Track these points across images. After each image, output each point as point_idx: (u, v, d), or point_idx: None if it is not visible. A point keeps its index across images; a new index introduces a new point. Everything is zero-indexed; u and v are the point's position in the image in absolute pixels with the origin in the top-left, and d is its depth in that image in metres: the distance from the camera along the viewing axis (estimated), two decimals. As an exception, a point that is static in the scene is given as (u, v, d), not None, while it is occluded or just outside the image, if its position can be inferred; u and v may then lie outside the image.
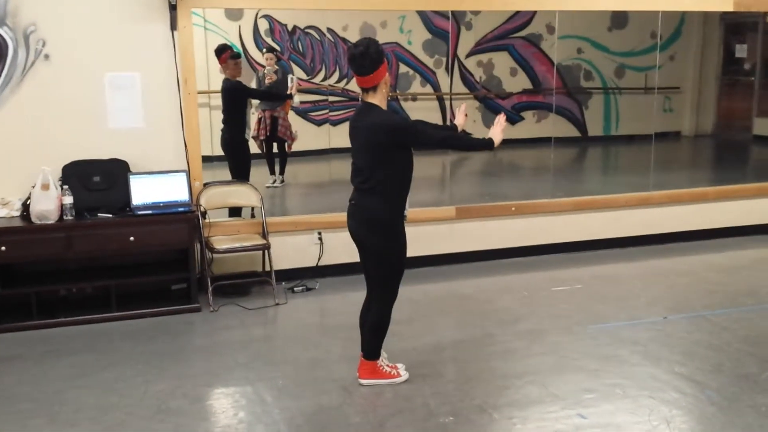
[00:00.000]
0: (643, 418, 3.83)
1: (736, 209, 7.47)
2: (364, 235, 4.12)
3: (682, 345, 4.79)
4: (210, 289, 5.59)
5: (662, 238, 7.23)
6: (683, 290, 5.93)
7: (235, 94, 7.11)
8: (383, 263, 4.14)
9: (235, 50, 7.94)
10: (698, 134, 13.70)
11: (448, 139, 4.30)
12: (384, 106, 4.06)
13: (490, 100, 12.69)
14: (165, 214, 5.46)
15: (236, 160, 7.17)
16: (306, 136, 9.05)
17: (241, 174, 6.98)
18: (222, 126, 7.21)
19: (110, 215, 5.38)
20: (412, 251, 6.35)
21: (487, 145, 4.16)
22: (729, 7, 7.10)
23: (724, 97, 14.10)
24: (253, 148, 9.01)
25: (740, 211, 7.49)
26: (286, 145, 8.98)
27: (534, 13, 11.91)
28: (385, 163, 4.01)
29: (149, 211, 5.45)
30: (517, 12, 11.86)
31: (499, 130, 4.20)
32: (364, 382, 4.28)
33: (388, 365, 4.35)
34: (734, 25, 13.85)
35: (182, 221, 5.46)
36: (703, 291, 5.90)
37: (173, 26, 5.59)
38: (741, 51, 14.02)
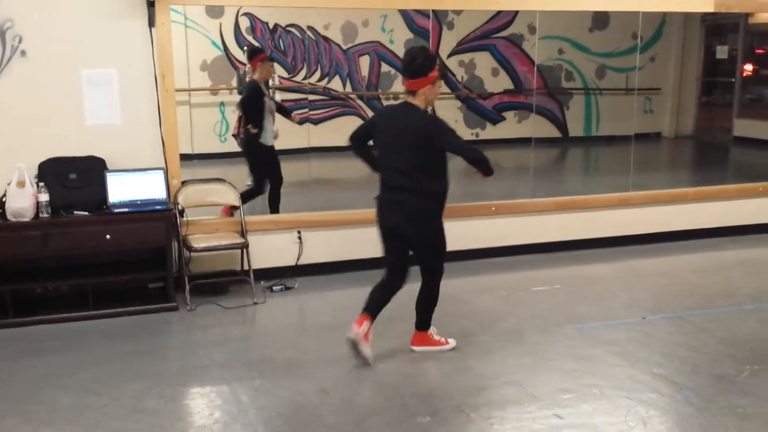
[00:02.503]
0: (619, 418, 3.83)
1: (715, 210, 7.51)
2: (411, 229, 4.43)
3: (661, 346, 4.80)
4: (187, 287, 5.55)
5: (642, 238, 7.25)
6: (662, 291, 5.95)
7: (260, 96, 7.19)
8: (430, 251, 4.53)
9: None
10: (678, 135, 13.80)
11: (477, 152, 4.43)
12: (424, 106, 4.41)
13: (471, 100, 12.71)
14: (142, 212, 5.41)
15: (253, 160, 7.32)
16: (286, 134, 8.99)
17: (258, 176, 7.18)
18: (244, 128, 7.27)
19: (86, 213, 5.32)
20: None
21: (491, 169, 4.48)
22: (709, 8, 7.13)
23: (704, 99, 14.20)
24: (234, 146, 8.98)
25: (720, 212, 7.53)
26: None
27: (516, 13, 11.92)
28: (428, 161, 4.33)
29: (126, 209, 5.40)
30: (499, 12, 11.88)
31: None
32: (416, 349, 4.72)
33: (437, 335, 4.78)
34: (715, 27, 13.94)
35: (159, 219, 5.41)
36: (682, 292, 5.92)
37: (151, 23, 5.54)
38: (722, 52, 14.12)
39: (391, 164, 4.41)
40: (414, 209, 4.37)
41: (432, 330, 4.78)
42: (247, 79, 8.54)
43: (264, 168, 7.26)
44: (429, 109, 4.50)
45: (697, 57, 13.97)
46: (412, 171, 4.33)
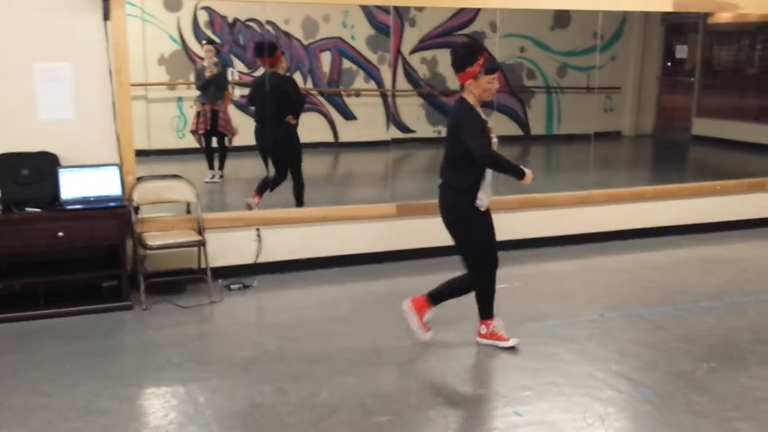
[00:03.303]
0: (578, 415, 3.84)
1: (673, 208, 7.59)
2: (446, 221, 4.62)
3: (619, 343, 4.83)
4: (142, 286, 5.44)
5: (601, 236, 7.29)
6: (621, 288, 5.99)
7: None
8: (463, 244, 4.62)
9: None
10: (638, 134, 13.95)
11: (489, 149, 4.43)
12: (472, 100, 4.45)
13: (434, 98, 12.72)
14: (95, 209, 5.30)
15: (288, 154, 7.45)
16: (246, 130, 8.91)
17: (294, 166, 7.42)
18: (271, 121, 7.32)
19: (39, 210, 5.21)
20: (350, 248, 6.40)
21: (517, 171, 4.47)
22: (668, 8, 7.19)
23: (664, 98, 14.38)
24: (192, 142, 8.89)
25: (678, 210, 7.60)
26: (226, 139, 8.86)
27: (477, 10, 11.96)
28: (456, 155, 4.45)
29: (79, 206, 5.29)
30: (461, 9, 11.89)
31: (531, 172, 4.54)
32: (480, 341, 4.77)
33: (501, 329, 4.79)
34: (675, 26, 14.12)
35: (113, 216, 5.31)
36: (640, 289, 5.97)
37: (106, 16, 5.43)
38: (681, 52, 14.31)
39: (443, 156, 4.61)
40: (443, 203, 4.60)
41: (496, 323, 4.78)
42: (207, 74, 8.48)
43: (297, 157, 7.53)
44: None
45: (657, 56, 14.14)
46: (446, 164, 4.55)
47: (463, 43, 4.52)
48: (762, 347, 4.76)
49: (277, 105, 7.27)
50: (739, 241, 7.44)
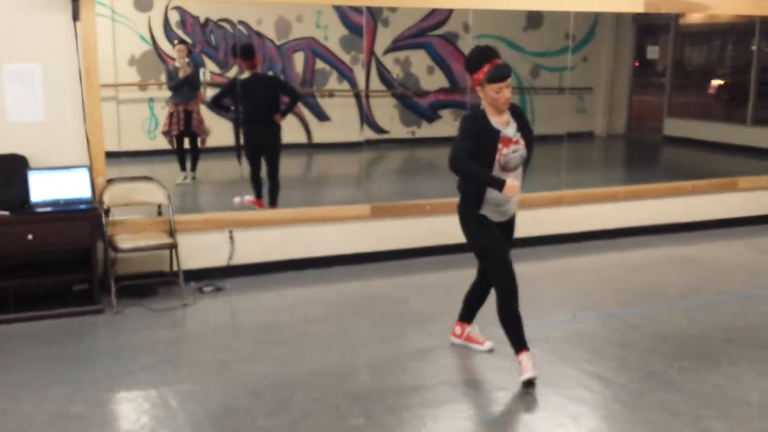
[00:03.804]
0: (551, 415, 3.86)
1: (645, 209, 7.65)
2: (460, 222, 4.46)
3: (591, 343, 4.86)
4: (113, 289, 5.39)
5: (574, 237, 7.33)
6: (593, 289, 6.02)
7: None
8: (471, 246, 4.47)
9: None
10: (611, 134, 14.06)
11: (461, 157, 4.13)
12: (486, 107, 4.23)
13: (407, 98, 12.73)
14: (65, 212, 5.25)
15: (275, 153, 7.64)
16: (219, 131, 8.88)
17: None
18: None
19: (7, 213, 5.13)
20: (324, 250, 6.38)
21: (493, 182, 4.12)
22: (639, 9, 7.24)
23: (635, 98, 14.51)
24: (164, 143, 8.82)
25: (649, 210, 7.67)
26: (198, 140, 8.80)
27: (450, 11, 11.99)
28: None
29: (49, 209, 5.24)
30: (434, 10, 11.92)
31: (515, 184, 4.13)
32: (455, 341, 4.81)
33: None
34: (646, 27, 14.26)
35: (84, 219, 5.25)
36: (613, 289, 6.01)
37: (75, 16, 5.37)
38: (653, 53, 14.45)
39: None
40: (458, 207, 4.45)
41: (471, 329, 4.77)
42: (180, 74, 8.42)
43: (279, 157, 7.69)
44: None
45: (629, 57, 14.26)
46: None
47: (476, 46, 4.29)
48: (732, 346, 4.82)
49: (266, 105, 7.40)
50: (709, 240, 7.53)
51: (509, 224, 4.45)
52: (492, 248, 4.35)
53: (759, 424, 3.81)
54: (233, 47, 10.35)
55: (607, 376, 4.34)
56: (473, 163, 4.13)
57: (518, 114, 4.35)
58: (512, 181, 4.10)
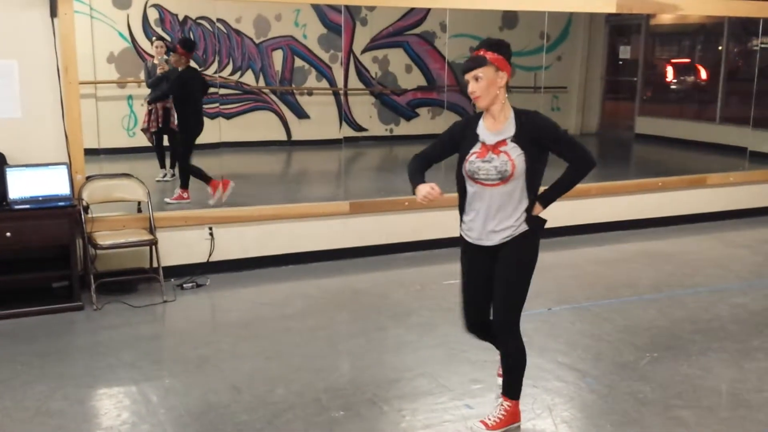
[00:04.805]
0: (527, 406, 3.93)
1: (617, 204, 7.77)
2: None
3: (565, 335, 4.95)
4: (93, 286, 5.39)
5: (548, 232, 7.29)
6: (567, 282, 6.12)
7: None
8: None
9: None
10: (584, 132, 14.20)
11: (414, 156, 3.82)
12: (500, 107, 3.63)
13: (385, 96, 12.79)
14: (44, 209, 5.24)
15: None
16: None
17: None
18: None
19: (-15, 210, 5.13)
20: (304, 246, 6.43)
21: (412, 184, 3.67)
22: (612, 9, 7.36)
23: (608, 97, 14.67)
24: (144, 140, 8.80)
25: (622, 206, 7.79)
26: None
27: (428, 10, 12.06)
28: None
29: (27, 206, 5.23)
30: (412, 9, 11.98)
31: (425, 191, 3.59)
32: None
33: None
34: (619, 27, 14.42)
35: (63, 216, 5.25)
36: (586, 283, 6.11)
37: (53, 13, 5.36)
38: (625, 52, 14.61)
39: None
40: None
41: None
42: (159, 71, 8.41)
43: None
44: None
45: (602, 57, 14.42)
46: None
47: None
48: (701, 337, 4.93)
49: (201, 97, 7.94)
50: (679, 235, 7.67)
51: (502, 251, 3.83)
52: (462, 267, 3.92)
53: (727, 413, 3.91)
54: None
55: (581, 368, 4.43)
56: (415, 161, 3.76)
57: (531, 124, 3.59)
58: (424, 187, 3.57)
